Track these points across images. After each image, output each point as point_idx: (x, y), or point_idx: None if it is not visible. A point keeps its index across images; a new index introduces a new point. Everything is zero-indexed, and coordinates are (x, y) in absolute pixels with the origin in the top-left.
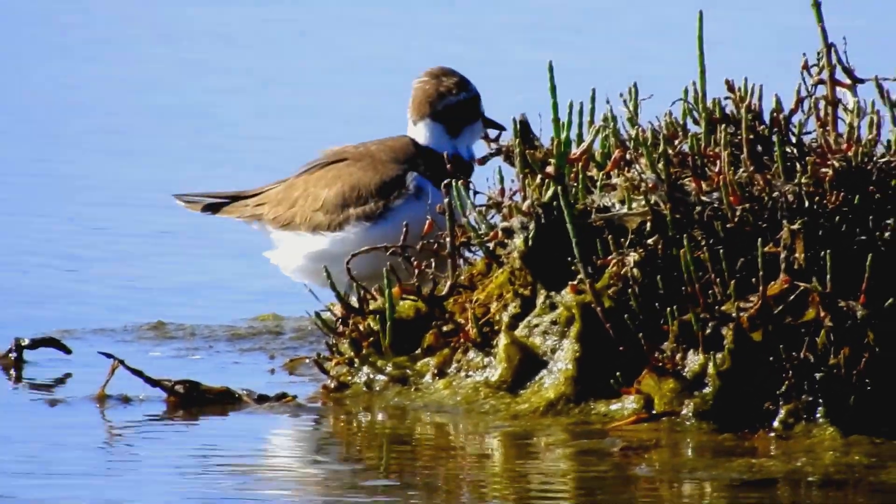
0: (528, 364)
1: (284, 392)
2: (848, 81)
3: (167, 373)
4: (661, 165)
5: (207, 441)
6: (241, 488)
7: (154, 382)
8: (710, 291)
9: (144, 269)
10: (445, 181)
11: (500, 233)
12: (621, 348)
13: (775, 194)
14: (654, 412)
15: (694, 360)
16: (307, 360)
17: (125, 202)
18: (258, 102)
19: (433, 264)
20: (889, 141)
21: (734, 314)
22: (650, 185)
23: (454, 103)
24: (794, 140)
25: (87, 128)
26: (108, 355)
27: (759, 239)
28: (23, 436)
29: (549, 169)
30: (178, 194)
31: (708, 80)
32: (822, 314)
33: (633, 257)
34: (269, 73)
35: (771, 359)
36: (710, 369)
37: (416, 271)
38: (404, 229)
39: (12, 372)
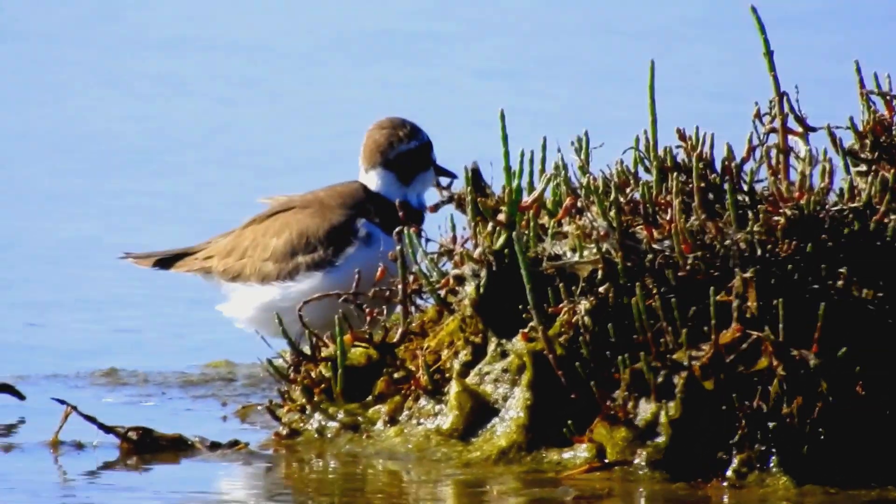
0: (479, 412)
1: (237, 439)
2: (800, 129)
3: (120, 419)
4: (612, 213)
5: (160, 488)
6: None
7: (107, 429)
8: (661, 340)
9: (97, 315)
10: (397, 229)
11: (451, 280)
12: (573, 396)
13: (727, 242)
14: (606, 461)
15: (646, 409)
16: (259, 407)
17: (78, 249)
18: (206, 150)
19: (385, 311)
20: (841, 189)
21: (686, 363)
22: (601, 233)
23: (405, 151)
24: (745, 188)
25: (36, 173)
26: (62, 401)
27: (712, 287)
28: None
29: (501, 217)
30: (128, 253)
31: (659, 128)
32: (775, 363)
33: (584, 305)
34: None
35: (723, 408)
36: (663, 418)
37: (368, 318)
38: (357, 276)
39: None
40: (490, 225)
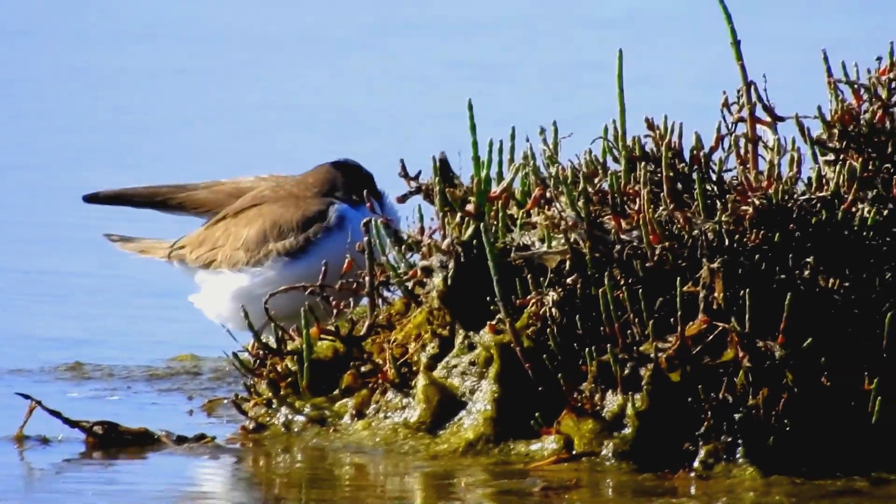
0: (447, 405)
1: (203, 433)
2: (768, 119)
3: (85, 414)
4: (580, 203)
5: (126, 481)
6: None
7: (72, 423)
8: (628, 331)
9: (61, 308)
10: (365, 219)
11: (419, 272)
12: (540, 388)
13: (695, 232)
14: (574, 452)
15: (613, 401)
16: (225, 401)
17: (41, 240)
18: (177, 141)
19: (351, 303)
20: (809, 178)
21: (652, 354)
22: (570, 224)
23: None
24: (714, 178)
25: (3, 164)
26: (26, 396)
27: (679, 278)
28: None
29: (469, 207)
30: (109, 234)
31: (628, 118)
32: (741, 354)
33: (552, 297)
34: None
35: (690, 399)
36: (629, 410)
37: (335, 311)
38: (323, 267)
39: None
40: (458, 215)
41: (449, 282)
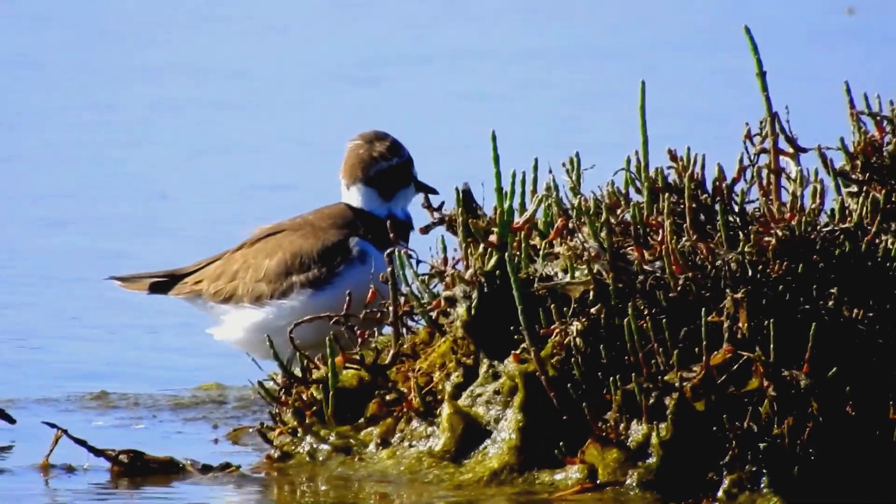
0: (471, 433)
1: (228, 462)
2: (791, 150)
3: (111, 442)
4: (603, 234)
5: None
6: None
7: (98, 452)
8: (653, 361)
9: (87, 338)
10: (388, 250)
11: (442, 302)
12: (565, 417)
13: (718, 263)
14: (598, 482)
15: (637, 430)
16: (250, 430)
17: (67, 271)
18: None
19: (375, 333)
20: (832, 210)
21: (677, 384)
22: (593, 254)
23: (386, 168)
24: (736, 209)
25: (21, 197)
26: (52, 425)
27: (703, 308)
28: None
29: (492, 238)
30: (115, 276)
31: (651, 149)
32: (766, 384)
33: (576, 326)
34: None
35: (714, 428)
36: (654, 439)
37: (360, 340)
38: (348, 297)
39: None
40: (481, 246)
41: (473, 311)
